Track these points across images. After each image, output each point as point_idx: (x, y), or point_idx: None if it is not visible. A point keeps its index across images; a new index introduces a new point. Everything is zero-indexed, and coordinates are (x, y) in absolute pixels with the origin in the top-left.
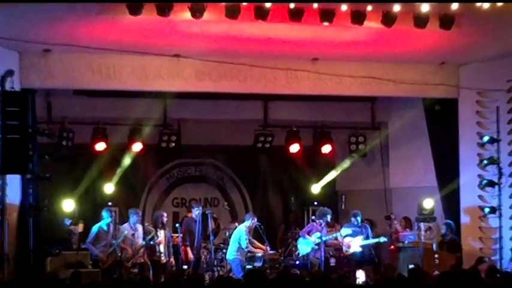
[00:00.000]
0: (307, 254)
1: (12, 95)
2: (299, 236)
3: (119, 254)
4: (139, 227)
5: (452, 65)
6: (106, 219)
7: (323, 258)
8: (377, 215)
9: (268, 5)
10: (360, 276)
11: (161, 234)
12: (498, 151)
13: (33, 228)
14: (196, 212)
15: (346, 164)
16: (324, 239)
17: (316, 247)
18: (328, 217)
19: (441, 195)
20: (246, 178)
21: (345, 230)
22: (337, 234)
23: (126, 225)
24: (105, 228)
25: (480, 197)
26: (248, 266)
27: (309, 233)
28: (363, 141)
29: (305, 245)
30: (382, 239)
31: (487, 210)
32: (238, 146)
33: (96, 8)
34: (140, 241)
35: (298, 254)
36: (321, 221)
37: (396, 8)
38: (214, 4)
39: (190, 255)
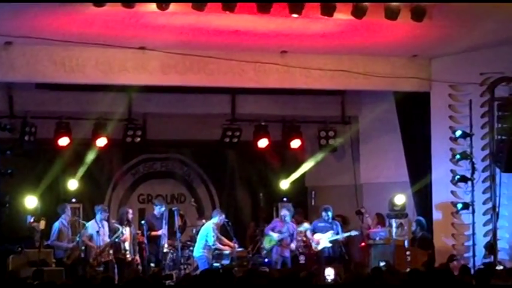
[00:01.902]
0: (271, 251)
1: None
2: (263, 234)
3: (83, 248)
4: (105, 224)
5: (424, 57)
6: (63, 214)
7: (285, 255)
8: (348, 211)
9: None
10: (329, 273)
11: (126, 231)
12: (471, 146)
13: None
14: (157, 209)
15: (316, 159)
16: (285, 235)
17: (280, 243)
18: (291, 212)
19: (413, 190)
20: (213, 174)
21: (304, 227)
22: (300, 229)
23: (92, 221)
24: (66, 223)
25: (453, 192)
26: (215, 264)
27: (273, 230)
28: (333, 135)
29: (268, 242)
30: (354, 233)
31: (459, 206)
32: (205, 141)
33: None
34: (106, 238)
35: (264, 250)
36: (285, 217)
37: None
38: None
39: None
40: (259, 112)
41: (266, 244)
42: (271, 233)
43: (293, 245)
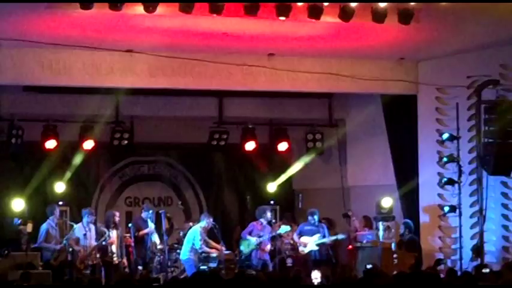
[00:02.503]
0: (250, 255)
1: None
2: (241, 238)
3: (70, 249)
4: (92, 228)
5: (411, 60)
6: (51, 215)
7: (264, 258)
8: (335, 214)
9: None
10: (316, 276)
11: (113, 234)
12: (458, 148)
13: None
14: (145, 215)
15: (303, 162)
16: (264, 238)
17: (259, 247)
18: (268, 214)
19: (400, 193)
20: (201, 176)
21: (283, 229)
22: (279, 231)
23: (79, 224)
24: (54, 225)
25: (440, 195)
26: (203, 267)
27: (250, 234)
28: (320, 138)
29: (247, 246)
30: (341, 236)
31: (446, 208)
32: (192, 144)
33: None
34: (93, 242)
35: (242, 255)
36: (262, 220)
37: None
38: None
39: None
40: (246, 115)
41: (245, 249)
42: (249, 237)
43: (268, 247)
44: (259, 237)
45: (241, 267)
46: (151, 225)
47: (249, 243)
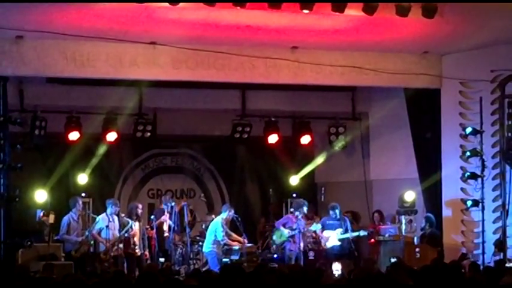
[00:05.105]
0: (283, 246)
1: None
2: (274, 227)
3: (92, 242)
4: (116, 219)
5: (435, 54)
6: (73, 208)
7: (297, 251)
8: (357, 208)
9: None
10: (337, 268)
11: (136, 226)
12: (481, 143)
13: (5, 219)
14: (165, 208)
15: (325, 155)
16: (296, 232)
17: (291, 239)
18: (305, 209)
19: (423, 187)
20: (223, 169)
21: (315, 226)
22: (310, 228)
23: (103, 215)
24: (75, 217)
25: (462, 189)
26: (225, 259)
27: (284, 226)
28: (343, 131)
29: (279, 236)
30: (362, 233)
31: (469, 203)
32: (215, 136)
33: None
34: (116, 233)
35: (273, 245)
36: (297, 213)
37: None
38: None
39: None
40: (269, 108)
41: (277, 239)
42: (282, 229)
43: (302, 244)
44: (292, 230)
45: (263, 260)
46: (171, 220)
47: (281, 233)
